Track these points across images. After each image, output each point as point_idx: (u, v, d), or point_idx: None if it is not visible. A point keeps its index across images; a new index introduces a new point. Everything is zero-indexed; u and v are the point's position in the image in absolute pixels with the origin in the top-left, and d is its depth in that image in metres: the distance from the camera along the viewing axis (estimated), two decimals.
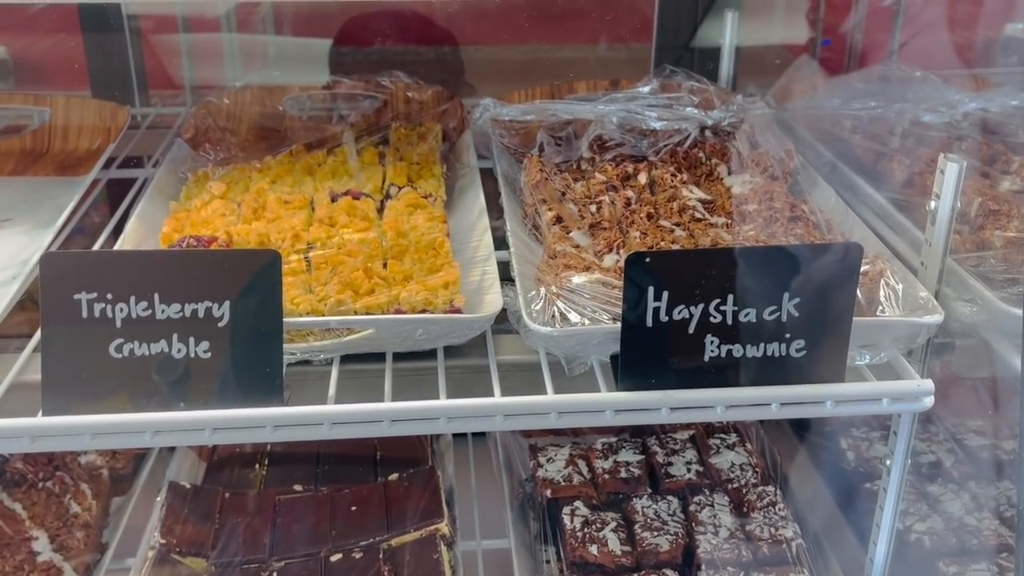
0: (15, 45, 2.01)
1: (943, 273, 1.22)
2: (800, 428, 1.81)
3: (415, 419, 1.08)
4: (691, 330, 1.07)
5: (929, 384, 1.11)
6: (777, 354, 1.09)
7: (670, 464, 1.63)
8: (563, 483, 1.59)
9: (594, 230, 1.31)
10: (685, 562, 1.46)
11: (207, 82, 2.08)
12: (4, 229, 1.45)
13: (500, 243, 1.33)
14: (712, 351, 1.08)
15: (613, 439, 1.69)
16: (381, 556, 1.48)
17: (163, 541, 1.49)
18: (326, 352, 1.16)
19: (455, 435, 1.81)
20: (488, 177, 1.55)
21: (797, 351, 1.09)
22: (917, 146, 1.54)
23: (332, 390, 1.12)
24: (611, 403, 1.09)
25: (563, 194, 1.39)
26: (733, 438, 1.70)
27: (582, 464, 1.64)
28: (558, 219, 1.34)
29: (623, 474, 1.60)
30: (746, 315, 1.07)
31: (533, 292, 1.16)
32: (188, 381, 1.06)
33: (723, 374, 1.09)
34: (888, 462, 1.31)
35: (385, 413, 1.08)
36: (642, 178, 1.44)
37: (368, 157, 1.54)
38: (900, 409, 1.12)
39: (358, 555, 1.48)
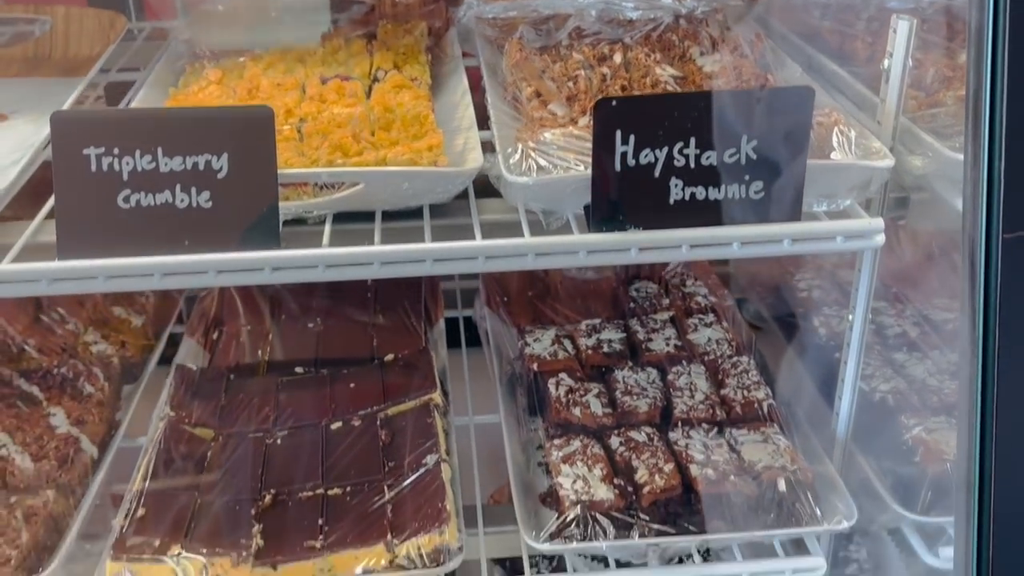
0: None
1: (897, 130, 1.30)
2: (776, 310, 1.90)
3: (403, 261, 1.17)
4: (657, 173, 1.15)
5: (879, 222, 1.19)
6: (737, 196, 1.17)
7: (650, 340, 1.72)
8: (549, 358, 1.68)
9: (570, 102, 1.38)
10: (663, 422, 1.55)
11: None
12: (10, 120, 1.54)
13: (483, 124, 1.41)
14: (677, 194, 1.17)
15: (596, 321, 1.78)
16: (378, 423, 1.57)
17: (172, 413, 1.59)
18: (318, 209, 1.25)
19: (448, 327, 1.90)
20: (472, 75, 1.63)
21: (756, 192, 1.17)
22: (882, 28, 1.61)
23: (325, 241, 1.21)
24: (584, 244, 1.17)
25: (542, 72, 1.46)
26: (711, 318, 1.79)
27: (567, 342, 1.73)
28: (537, 94, 1.41)
29: (605, 349, 1.69)
30: (707, 158, 1.15)
31: (511, 148, 1.24)
32: (192, 229, 1.15)
33: (688, 216, 1.18)
34: (851, 316, 1.40)
35: (375, 255, 1.16)
36: (617, 58, 1.52)
37: (356, 48, 1.61)
38: (853, 247, 1.20)
39: (357, 423, 1.58)
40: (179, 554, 1.31)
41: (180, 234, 1.15)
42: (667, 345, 1.70)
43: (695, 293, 1.87)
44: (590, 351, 1.69)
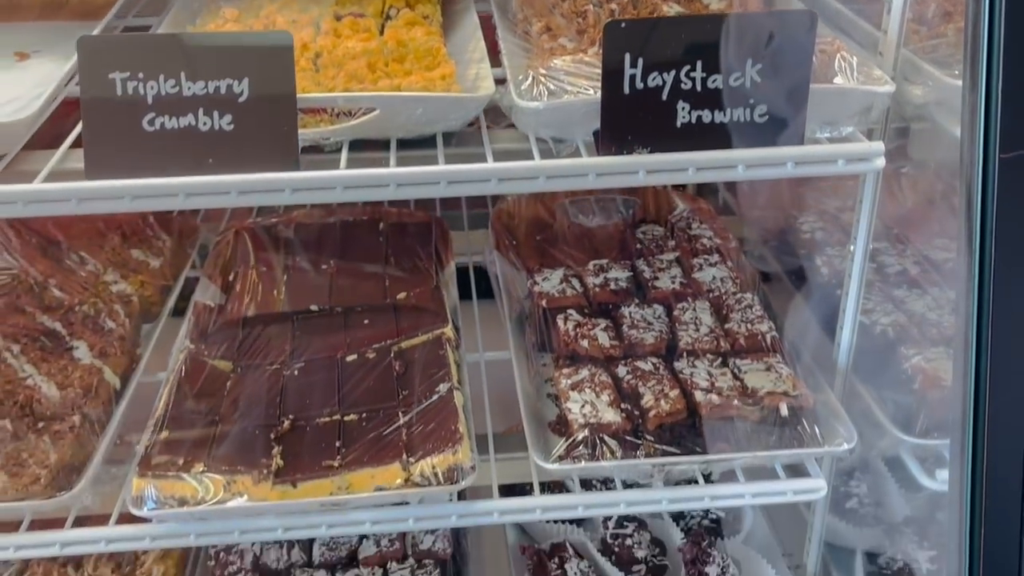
0: None
1: (898, 61, 1.33)
2: (780, 251, 1.93)
3: (418, 183, 1.21)
4: (664, 96, 1.19)
5: (880, 146, 1.23)
6: (743, 119, 1.21)
7: (656, 279, 1.76)
8: (557, 295, 1.72)
9: (580, 35, 1.42)
10: (668, 354, 1.60)
11: None
12: (31, 59, 1.58)
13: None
14: (684, 117, 1.20)
15: (603, 261, 1.82)
16: (392, 355, 1.62)
17: (192, 346, 1.64)
18: (335, 136, 1.29)
19: (458, 272, 1.94)
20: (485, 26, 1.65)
21: (760, 116, 1.21)
22: None
23: (343, 165, 1.25)
24: (594, 167, 1.21)
25: (552, 8, 1.50)
26: (715, 258, 1.82)
27: (575, 281, 1.77)
28: (547, 28, 1.45)
29: (612, 287, 1.73)
30: (714, 82, 1.19)
31: (522, 76, 1.28)
32: (215, 151, 1.19)
33: (694, 139, 1.21)
34: (851, 247, 1.44)
35: (391, 177, 1.20)
36: None
37: None
38: (854, 170, 1.24)
39: (371, 355, 1.63)
40: (202, 472, 1.36)
41: (203, 156, 1.19)
42: (673, 283, 1.74)
43: (700, 235, 1.90)
44: (597, 289, 1.73)
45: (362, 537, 1.78)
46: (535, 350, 1.70)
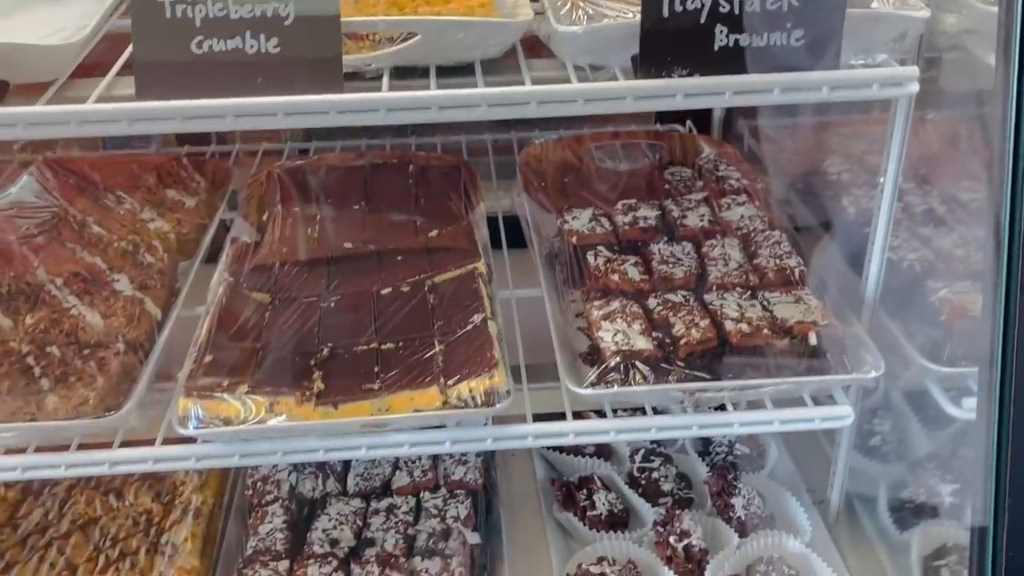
0: None
1: None
2: (805, 193, 1.95)
3: (460, 106, 1.23)
4: (702, 20, 1.21)
5: (914, 70, 1.25)
6: (779, 43, 1.23)
7: (684, 217, 1.78)
8: (587, 232, 1.74)
9: None
10: (698, 289, 1.62)
11: None
12: None
13: None
14: (721, 40, 1.22)
15: (632, 201, 1.84)
16: (426, 288, 1.65)
17: (231, 279, 1.68)
18: (377, 63, 1.31)
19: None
20: None
21: (797, 40, 1.23)
22: None
23: (385, 88, 1.27)
24: (631, 90, 1.23)
25: None
26: (743, 198, 1.84)
27: (604, 220, 1.79)
28: None
29: (641, 224, 1.76)
30: (751, 5, 1.20)
31: (560, 2, 1.30)
32: (261, 73, 1.21)
33: (731, 62, 1.23)
34: (881, 179, 1.46)
35: (433, 100, 1.23)
36: None
37: None
38: (888, 94, 1.26)
39: (405, 289, 1.66)
40: (246, 393, 1.40)
41: (250, 78, 1.21)
42: (701, 221, 1.77)
43: (728, 177, 1.92)
44: (627, 226, 1.76)
45: (395, 467, 1.83)
46: (565, 287, 1.73)
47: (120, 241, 1.77)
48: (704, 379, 1.44)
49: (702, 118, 2.29)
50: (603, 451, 1.92)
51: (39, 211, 1.84)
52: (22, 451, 1.45)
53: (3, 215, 1.83)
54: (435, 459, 1.84)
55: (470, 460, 1.83)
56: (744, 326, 1.48)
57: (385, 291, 1.66)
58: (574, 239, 1.73)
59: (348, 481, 1.80)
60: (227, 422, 1.38)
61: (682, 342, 1.47)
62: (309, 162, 2.06)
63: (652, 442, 1.91)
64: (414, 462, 1.82)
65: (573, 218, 1.80)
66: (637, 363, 1.44)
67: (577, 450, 1.91)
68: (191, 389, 1.40)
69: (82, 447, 1.46)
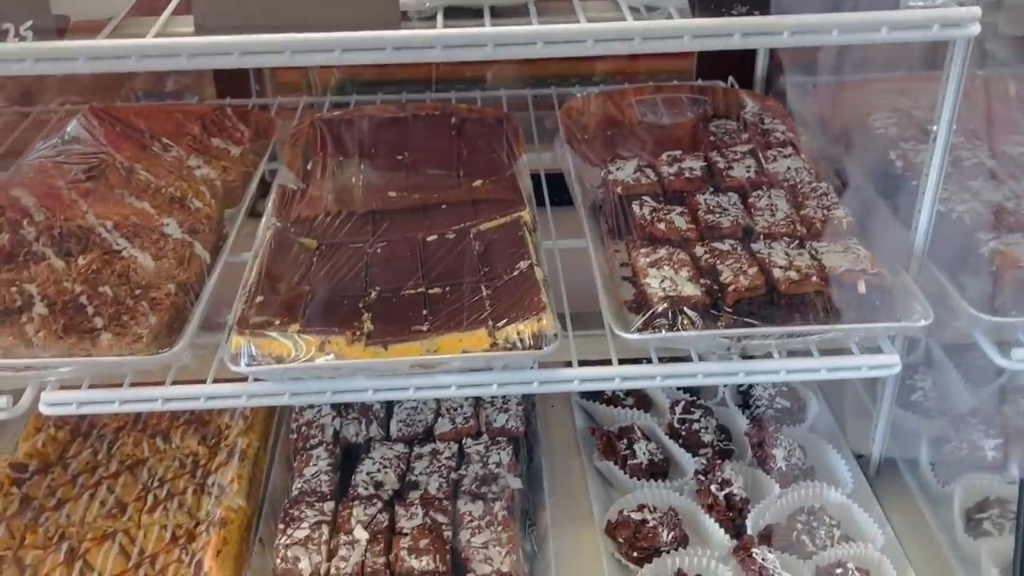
0: None
1: None
2: (852, 148, 1.94)
3: (516, 43, 1.23)
4: None
5: (976, 10, 1.23)
6: None
7: (730, 168, 1.77)
8: (632, 183, 1.74)
9: None
10: (744, 238, 1.62)
11: None
12: None
13: None
14: None
15: (677, 152, 1.83)
16: (471, 236, 1.66)
17: (279, 224, 1.69)
18: (431, 2, 1.31)
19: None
20: None
21: None
22: None
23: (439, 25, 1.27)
24: (689, 28, 1.23)
25: None
26: (789, 151, 1.83)
27: (649, 171, 1.79)
28: None
29: (687, 175, 1.75)
30: None
31: None
32: (319, 9, 1.22)
33: (789, 3, 1.22)
34: (934, 126, 1.44)
35: (489, 36, 1.22)
36: None
37: None
38: (949, 35, 1.24)
39: (450, 236, 1.67)
40: (298, 331, 1.41)
41: (308, 15, 1.22)
42: (747, 172, 1.76)
43: (773, 129, 1.91)
44: (672, 177, 1.76)
45: (437, 414, 1.85)
46: (609, 237, 1.73)
47: (168, 187, 1.78)
48: (753, 326, 1.43)
49: (744, 74, 2.27)
50: (642, 403, 1.93)
51: (87, 157, 1.86)
52: (77, 387, 1.48)
53: (51, 161, 1.85)
54: (476, 406, 1.86)
55: (511, 408, 1.84)
56: (793, 274, 1.48)
57: (431, 238, 1.67)
58: (619, 189, 1.73)
59: (391, 427, 1.82)
60: (279, 360, 1.39)
61: (730, 289, 1.47)
62: (351, 113, 2.07)
63: (692, 395, 1.92)
64: (456, 409, 1.84)
65: (618, 169, 1.79)
66: (685, 309, 1.44)
67: (616, 401, 1.92)
68: (243, 327, 1.42)
69: (133, 386, 1.49)
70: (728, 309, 1.45)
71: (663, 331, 1.44)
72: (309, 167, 1.91)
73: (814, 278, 1.47)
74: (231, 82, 2.38)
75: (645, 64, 2.52)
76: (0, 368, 1.43)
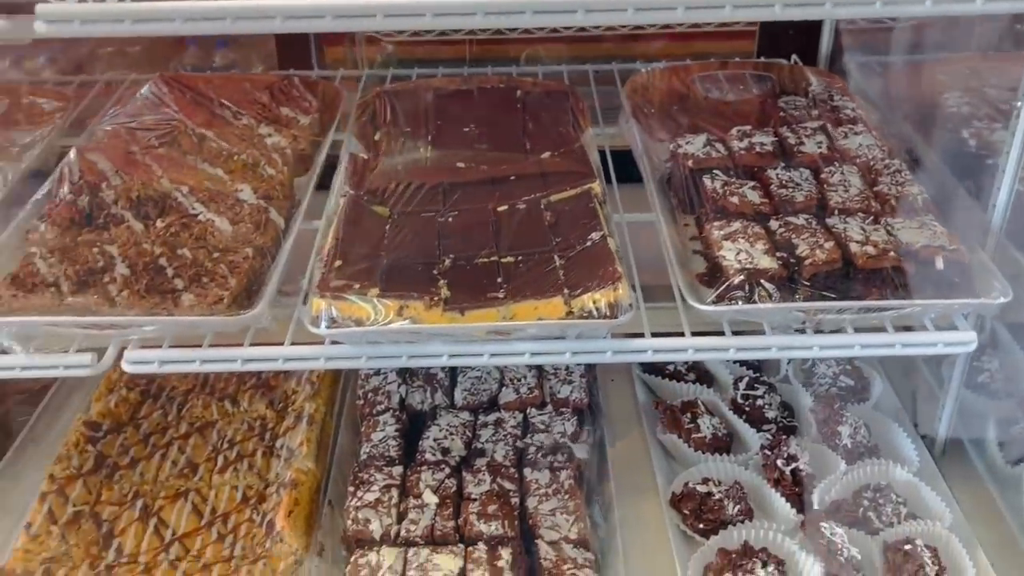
0: None
1: None
2: (924, 126, 1.92)
3: (556, 11, 1.21)
4: None
5: None
6: None
7: (801, 144, 1.76)
8: (703, 156, 1.74)
9: None
10: (818, 213, 1.61)
11: None
12: None
13: None
14: None
15: (746, 127, 1.82)
16: (542, 206, 1.67)
17: (352, 191, 1.71)
18: None
19: None
20: None
21: None
22: None
23: None
24: None
25: None
26: (860, 128, 1.82)
27: (718, 145, 1.78)
28: None
29: (758, 150, 1.75)
30: None
31: None
32: None
33: None
34: (1018, 102, 1.42)
35: (529, 5, 1.21)
36: None
37: None
38: None
39: (521, 206, 1.67)
40: (377, 295, 1.43)
41: None
42: (819, 148, 1.75)
43: (843, 107, 1.90)
44: (743, 151, 1.75)
45: (501, 384, 1.86)
46: (678, 211, 1.73)
47: (240, 154, 1.81)
48: (831, 299, 1.43)
49: (807, 52, 2.26)
50: (704, 378, 1.93)
51: (159, 124, 1.89)
52: (157, 347, 1.51)
53: (124, 127, 1.88)
54: (540, 377, 1.87)
55: (575, 380, 1.85)
56: (870, 248, 1.47)
57: (501, 208, 1.67)
58: (689, 163, 1.73)
59: (455, 395, 1.84)
60: (358, 323, 1.41)
61: (807, 262, 1.46)
62: (417, 85, 2.08)
63: (755, 371, 1.92)
64: (520, 379, 1.85)
65: (687, 143, 1.79)
66: (762, 281, 1.44)
67: (678, 375, 1.93)
68: (324, 290, 1.43)
69: (212, 346, 1.51)
70: (805, 282, 1.45)
71: (740, 303, 1.44)
72: (376, 138, 1.92)
73: (891, 253, 1.47)
74: (291, 54, 2.40)
75: (703, 46, 2.50)
76: (86, 326, 1.45)
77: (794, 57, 2.23)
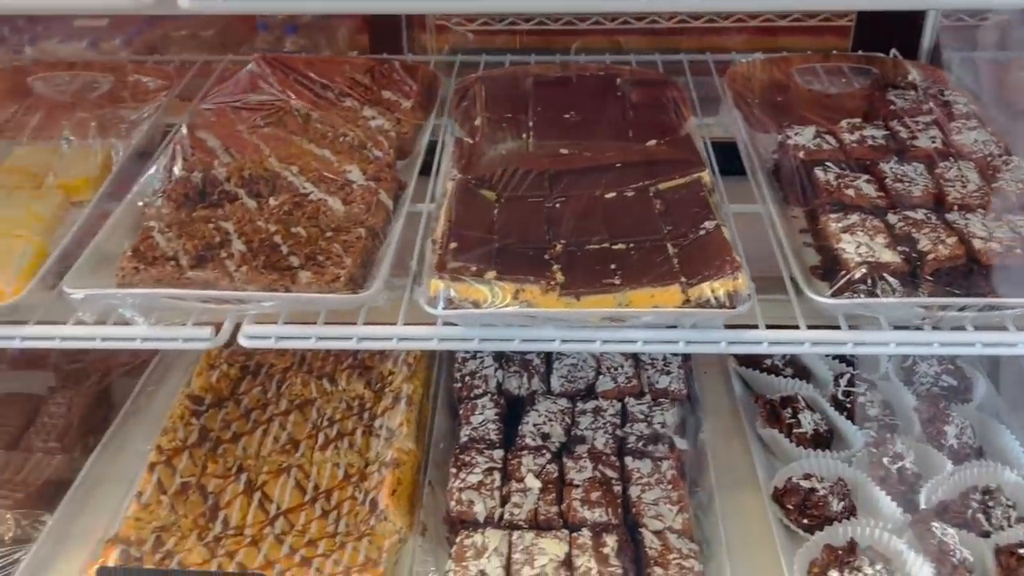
0: None
1: None
2: None
3: None
4: None
5: None
6: None
7: (914, 138, 1.73)
8: (814, 148, 1.72)
9: None
10: (936, 208, 1.58)
11: None
12: None
13: None
14: None
15: (856, 120, 1.80)
16: (651, 194, 1.66)
17: (460, 175, 1.71)
18: None
19: None
20: None
21: None
22: None
23: None
24: None
25: None
26: (974, 123, 1.78)
27: (829, 137, 1.76)
28: None
29: (870, 143, 1.72)
30: None
31: None
32: None
33: None
34: None
35: None
36: None
37: None
38: None
39: (629, 194, 1.66)
40: (495, 278, 1.43)
41: None
42: (933, 143, 1.72)
43: (954, 101, 1.86)
44: (855, 144, 1.73)
45: (598, 372, 1.86)
46: (787, 202, 1.71)
47: (346, 136, 1.82)
48: (956, 295, 1.41)
49: (905, 49, 2.22)
50: (801, 373, 1.91)
51: (263, 104, 1.91)
52: (272, 322, 1.52)
53: (229, 106, 1.90)
54: (637, 367, 1.87)
55: (673, 371, 1.85)
56: (995, 245, 1.45)
57: (609, 195, 1.66)
58: (801, 154, 1.71)
59: (551, 381, 1.84)
60: (475, 305, 1.41)
61: (930, 257, 1.44)
62: (514, 71, 2.08)
63: (855, 368, 1.90)
64: (617, 368, 1.85)
65: (796, 134, 1.77)
66: (885, 275, 1.42)
67: (775, 370, 1.91)
68: (442, 271, 1.44)
69: (326, 324, 1.52)
70: (928, 278, 1.43)
71: (862, 296, 1.42)
72: (477, 123, 1.92)
73: (1018, 250, 1.44)
74: (382, 38, 2.41)
75: (789, 41, 2.46)
76: (206, 300, 1.48)
77: (894, 51, 2.19)
